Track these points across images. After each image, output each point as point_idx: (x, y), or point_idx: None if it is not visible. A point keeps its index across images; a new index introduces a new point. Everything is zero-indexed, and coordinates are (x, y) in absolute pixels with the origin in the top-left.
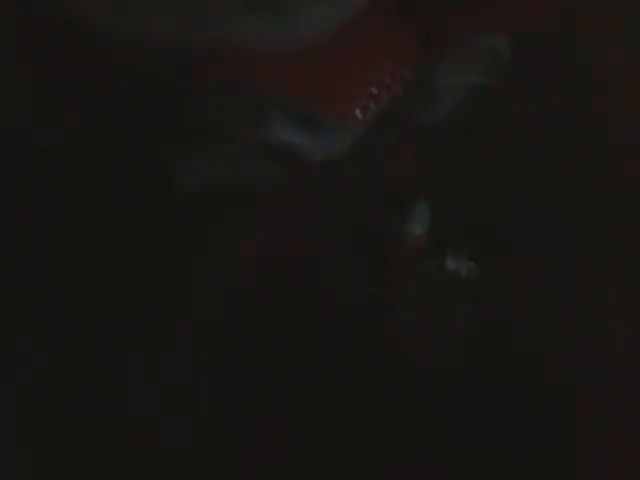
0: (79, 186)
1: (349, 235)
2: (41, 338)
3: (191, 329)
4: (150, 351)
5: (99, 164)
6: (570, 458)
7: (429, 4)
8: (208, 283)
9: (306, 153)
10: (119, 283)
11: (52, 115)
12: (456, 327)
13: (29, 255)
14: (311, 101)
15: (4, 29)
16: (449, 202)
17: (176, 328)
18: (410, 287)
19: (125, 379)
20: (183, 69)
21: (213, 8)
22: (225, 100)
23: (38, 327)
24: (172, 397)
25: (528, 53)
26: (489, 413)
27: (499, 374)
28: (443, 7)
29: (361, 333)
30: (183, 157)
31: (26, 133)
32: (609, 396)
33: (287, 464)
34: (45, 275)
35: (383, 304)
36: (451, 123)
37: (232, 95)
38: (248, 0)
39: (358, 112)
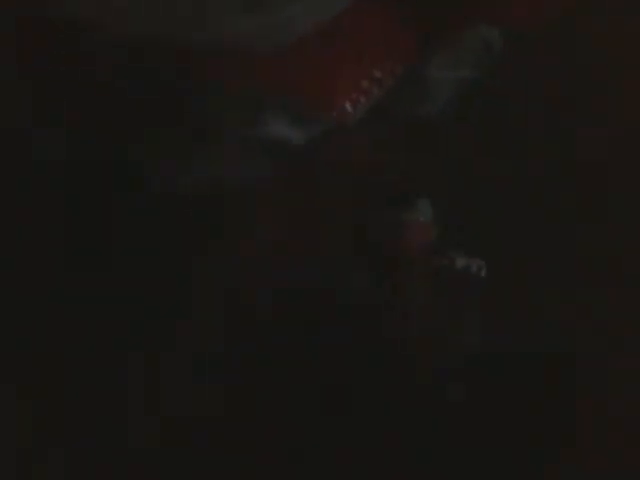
0: (79, 186)
1: (349, 235)
2: (41, 338)
3: (191, 329)
4: (150, 351)
5: (99, 164)
6: (570, 458)
7: (429, 3)
8: (208, 283)
9: (293, 145)
10: (119, 283)
11: (52, 115)
12: (457, 327)
13: (29, 255)
14: (300, 94)
15: (4, 29)
16: (449, 202)
17: (176, 328)
18: (410, 287)
19: (125, 379)
20: (183, 69)
21: (213, 8)
22: (225, 100)
23: (38, 327)
24: (172, 397)
25: (528, 53)
26: (489, 413)
27: (499, 374)
28: (443, 6)
29: (361, 333)
30: (183, 157)
31: (26, 133)
32: (609, 396)
33: (287, 464)
34: (45, 275)
35: (383, 304)
36: (451, 123)
37: (232, 95)
38: (248, 0)
39: (348, 105)
